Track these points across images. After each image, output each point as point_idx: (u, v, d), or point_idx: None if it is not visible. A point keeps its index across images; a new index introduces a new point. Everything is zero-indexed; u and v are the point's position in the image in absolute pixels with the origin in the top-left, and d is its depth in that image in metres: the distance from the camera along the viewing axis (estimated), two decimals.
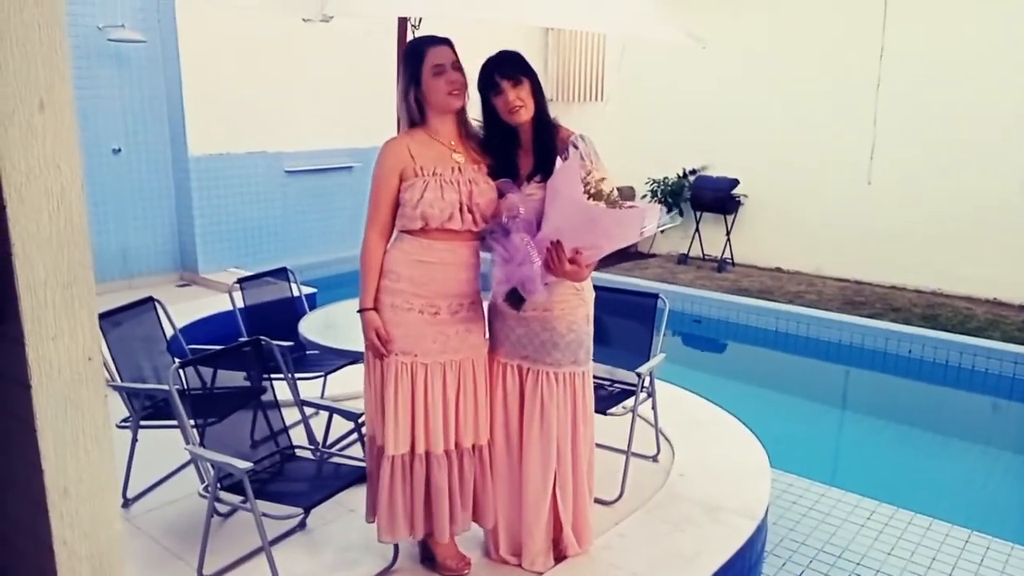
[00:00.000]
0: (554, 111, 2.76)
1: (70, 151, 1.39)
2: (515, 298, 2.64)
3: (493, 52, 2.66)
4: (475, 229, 2.64)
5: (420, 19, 2.93)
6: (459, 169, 2.62)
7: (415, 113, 2.62)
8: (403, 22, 2.91)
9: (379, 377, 2.68)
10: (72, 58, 6.42)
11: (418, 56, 2.57)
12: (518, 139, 2.71)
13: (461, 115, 2.68)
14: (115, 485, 1.58)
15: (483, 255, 2.76)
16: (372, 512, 2.79)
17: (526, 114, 2.63)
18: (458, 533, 2.84)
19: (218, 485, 2.75)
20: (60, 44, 1.29)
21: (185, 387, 2.86)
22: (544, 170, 2.61)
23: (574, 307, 2.76)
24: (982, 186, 7.50)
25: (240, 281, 4.25)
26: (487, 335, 2.83)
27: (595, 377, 3.27)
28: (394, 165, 2.60)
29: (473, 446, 2.76)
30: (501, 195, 2.64)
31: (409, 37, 2.94)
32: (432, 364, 2.65)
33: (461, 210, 2.58)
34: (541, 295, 2.58)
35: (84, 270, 1.44)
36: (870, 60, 8.00)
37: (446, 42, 2.61)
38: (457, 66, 2.59)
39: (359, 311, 2.67)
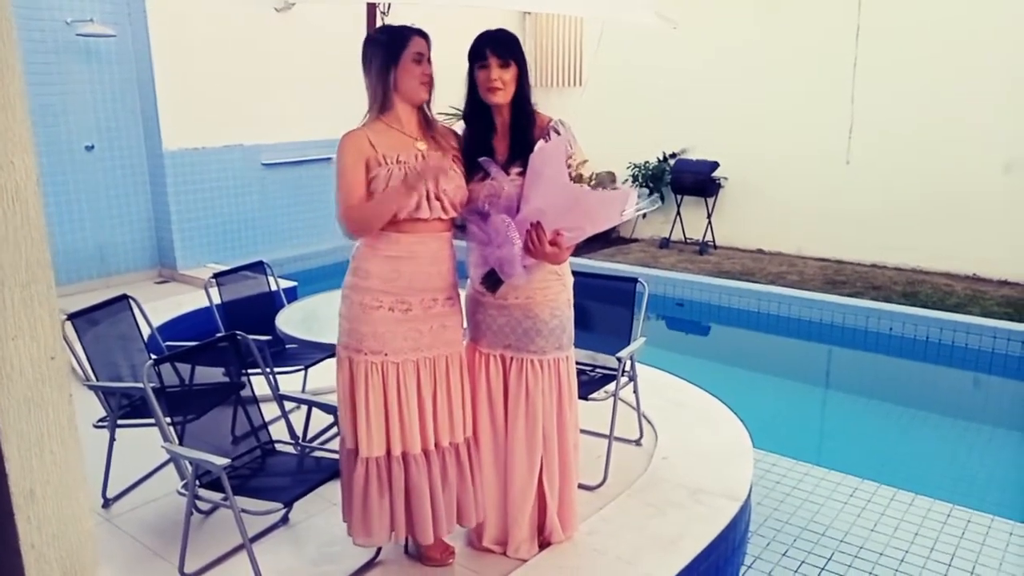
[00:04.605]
0: (533, 97, 2.73)
1: (24, 147, 1.36)
2: (492, 280, 2.62)
3: (467, 39, 2.63)
4: (444, 218, 2.59)
5: (389, 6, 2.89)
6: (423, 156, 2.56)
7: (391, 94, 2.54)
8: (372, 9, 2.87)
9: (347, 377, 2.63)
10: (41, 54, 6.37)
11: (403, 40, 2.51)
12: (494, 122, 2.68)
13: (424, 109, 2.64)
14: (84, 485, 1.56)
15: (459, 243, 2.72)
16: (348, 517, 2.73)
17: (503, 97, 2.60)
18: (443, 535, 2.77)
19: (196, 482, 2.72)
20: (7, 36, 1.26)
21: (161, 385, 2.83)
22: (524, 157, 2.59)
23: (556, 292, 2.75)
24: (960, 163, 7.54)
25: (216, 276, 4.20)
26: (465, 328, 2.80)
27: (576, 362, 3.26)
28: (357, 155, 2.52)
29: (450, 443, 2.71)
30: (481, 171, 2.60)
31: (379, 24, 2.90)
32: (404, 362, 2.60)
33: (428, 198, 2.52)
34: (520, 278, 2.56)
35: (43, 268, 1.41)
36: (846, 39, 8.01)
37: (426, 35, 2.57)
38: (430, 60, 2.57)
39: (403, 187, 2.46)
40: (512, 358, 2.77)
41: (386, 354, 2.58)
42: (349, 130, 2.58)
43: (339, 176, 2.54)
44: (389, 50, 2.51)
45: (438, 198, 2.54)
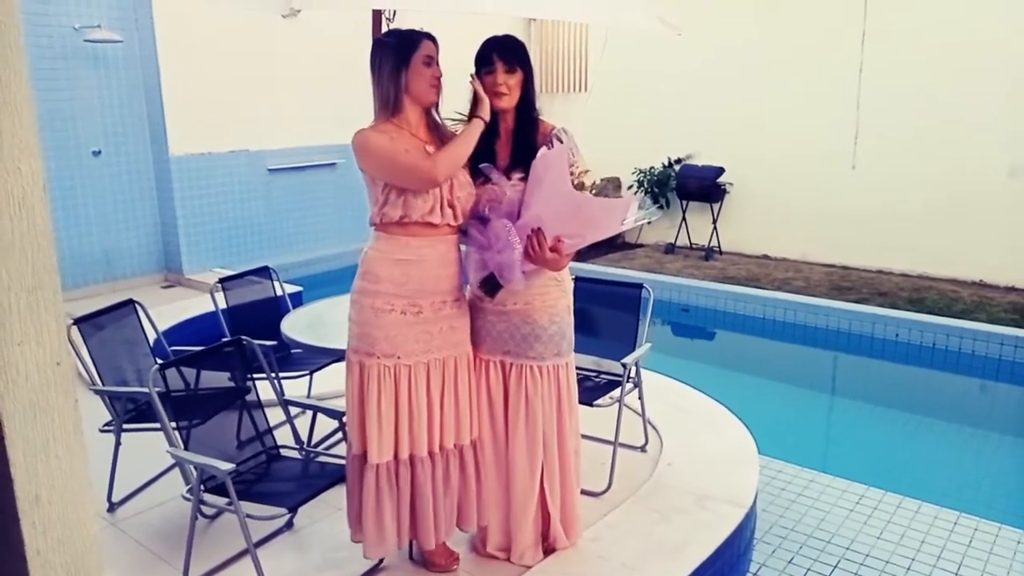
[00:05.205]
0: (538, 103, 2.74)
1: (30, 152, 1.35)
2: (491, 285, 2.62)
3: (473, 44, 2.64)
4: (454, 224, 2.60)
5: (395, 12, 2.90)
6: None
7: (401, 96, 2.54)
8: (377, 15, 2.88)
9: (357, 382, 2.63)
10: (48, 59, 6.40)
11: (413, 43, 2.53)
12: (497, 127, 2.69)
13: (432, 112, 2.65)
14: (90, 490, 1.55)
15: (461, 248, 2.73)
16: (358, 528, 2.71)
17: (507, 102, 2.62)
18: (442, 539, 2.78)
19: (201, 487, 2.72)
20: (15, 41, 1.26)
21: (166, 389, 2.83)
22: (526, 164, 2.59)
23: (556, 299, 2.75)
24: (966, 169, 7.52)
25: (222, 281, 4.21)
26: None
27: (581, 368, 3.25)
28: (387, 137, 2.51)
29: (455, 445, 2.71)
30: (483, 176, 2.60)
31: (385, 30, 2.91)
32: (416, 365, 2.60)
33: (442, 205, 2.53)
34: (519, 283, 2.56)
35: (49, 274, 1.41)
36: (852, 44, 8.00)
37: (434, 39, 2.59)
38: (438, 63, 2.58)
39: (479, 120, 2.55)
40: (511, 364, 2.77)
41: (399, 357, 2.59)
42: (360, 128, 2.57)
43: (387, 157, 2.49)
44: (400, 53, 2.52)
45: (451, 205, 2.56)
